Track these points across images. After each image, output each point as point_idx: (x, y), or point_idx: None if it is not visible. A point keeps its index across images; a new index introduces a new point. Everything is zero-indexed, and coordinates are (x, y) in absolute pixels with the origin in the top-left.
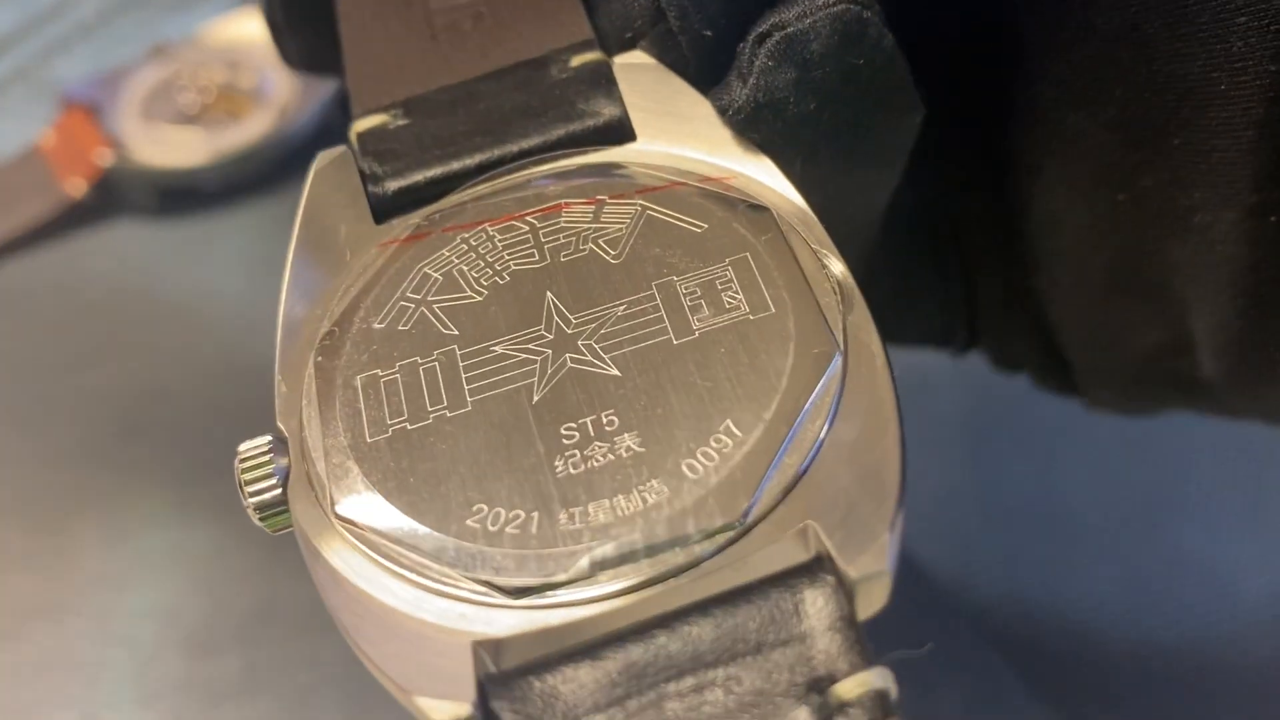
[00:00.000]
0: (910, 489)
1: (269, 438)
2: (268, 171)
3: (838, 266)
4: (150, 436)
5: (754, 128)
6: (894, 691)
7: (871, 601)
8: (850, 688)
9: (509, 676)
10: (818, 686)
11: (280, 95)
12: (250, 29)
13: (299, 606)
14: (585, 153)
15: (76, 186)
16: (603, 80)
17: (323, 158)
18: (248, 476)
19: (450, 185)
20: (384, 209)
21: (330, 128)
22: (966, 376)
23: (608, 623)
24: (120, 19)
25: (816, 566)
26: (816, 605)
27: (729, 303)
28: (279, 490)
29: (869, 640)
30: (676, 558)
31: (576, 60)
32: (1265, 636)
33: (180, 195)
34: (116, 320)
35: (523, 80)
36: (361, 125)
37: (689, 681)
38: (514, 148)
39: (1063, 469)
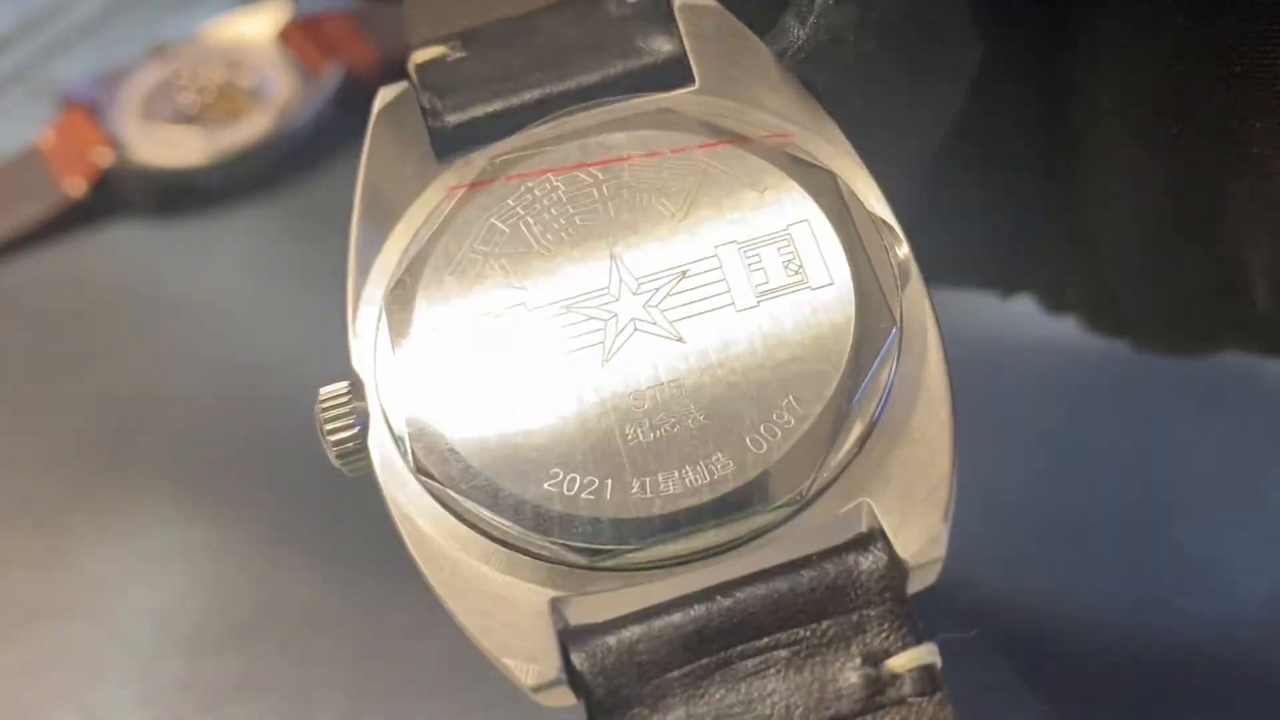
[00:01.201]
0: None
1: (347, 383)
2: (268, 171)
3: (898, 241)
4: (150, 436)
5: (813, 69)
6: (938, 665)
7: (922, 579)
8: (902, 662)
9: (586, 632)
10: (871, 659)
11: (280, 95)
12: (250, 28)
13: (299, 606)
14: (646, 97)
15: (76, 186)
16: (661, 18)
17: (385, 93)
18: (329, 422)
19: (511, 122)
20: (444, 145)
21: (330, 127)
22: (965, 376)
23: (675, 588)
24: (120, 18)
25: (870, 543)
26: (872, 581)
27: (790, 272)
28: (357, 433)
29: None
30: (740, 529)
31: None
32: (1266, 637)
33: (180, 195)
34: (116, 320)
35: (580, 15)
36: (420, 57)
37: (753, 644)
38: (573, 84)
39: (1063, 469)
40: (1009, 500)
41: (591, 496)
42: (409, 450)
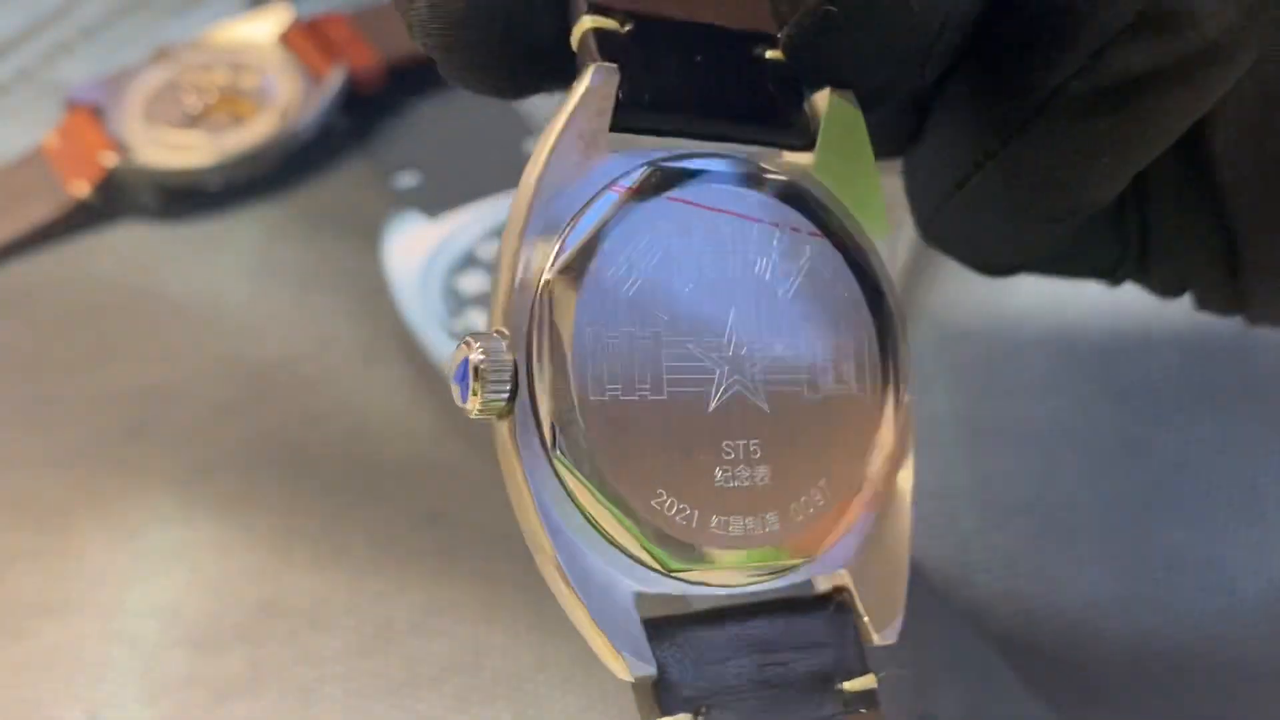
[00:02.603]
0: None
1: (503, 332)
2: (271, 173)
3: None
4: (154, 436)
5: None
6: (877, 690)
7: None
8: (856, 685)
9: (660, 621)
10: (836, 680)
11: (283, 97)
12: (253, 32)
13: (302, 603)
14: (774, 152)
15: (80, 188)
16: (794, 83)
17: (601, 68)
18: (482, 366)
19: (665, 129)
20: (618, 120)
21: (332, 129)
22: (964, 376)
23: (714, 602)
24: (124, 21)
25: (844, 600)
26: (846, 627)
27: (847, 378)
28: (509, 385)
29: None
30: (771, 571)
31: (770, 53)
32: (1263, 635)
33: (184, 196)
34: (120, 320)
35: (732, 48)
36: (593, 23)
37: (770, 656)
38: (727, 117)
39: (1059, 468)
40: (1007, 499)
41: (684, 523)
42: (552, 432)
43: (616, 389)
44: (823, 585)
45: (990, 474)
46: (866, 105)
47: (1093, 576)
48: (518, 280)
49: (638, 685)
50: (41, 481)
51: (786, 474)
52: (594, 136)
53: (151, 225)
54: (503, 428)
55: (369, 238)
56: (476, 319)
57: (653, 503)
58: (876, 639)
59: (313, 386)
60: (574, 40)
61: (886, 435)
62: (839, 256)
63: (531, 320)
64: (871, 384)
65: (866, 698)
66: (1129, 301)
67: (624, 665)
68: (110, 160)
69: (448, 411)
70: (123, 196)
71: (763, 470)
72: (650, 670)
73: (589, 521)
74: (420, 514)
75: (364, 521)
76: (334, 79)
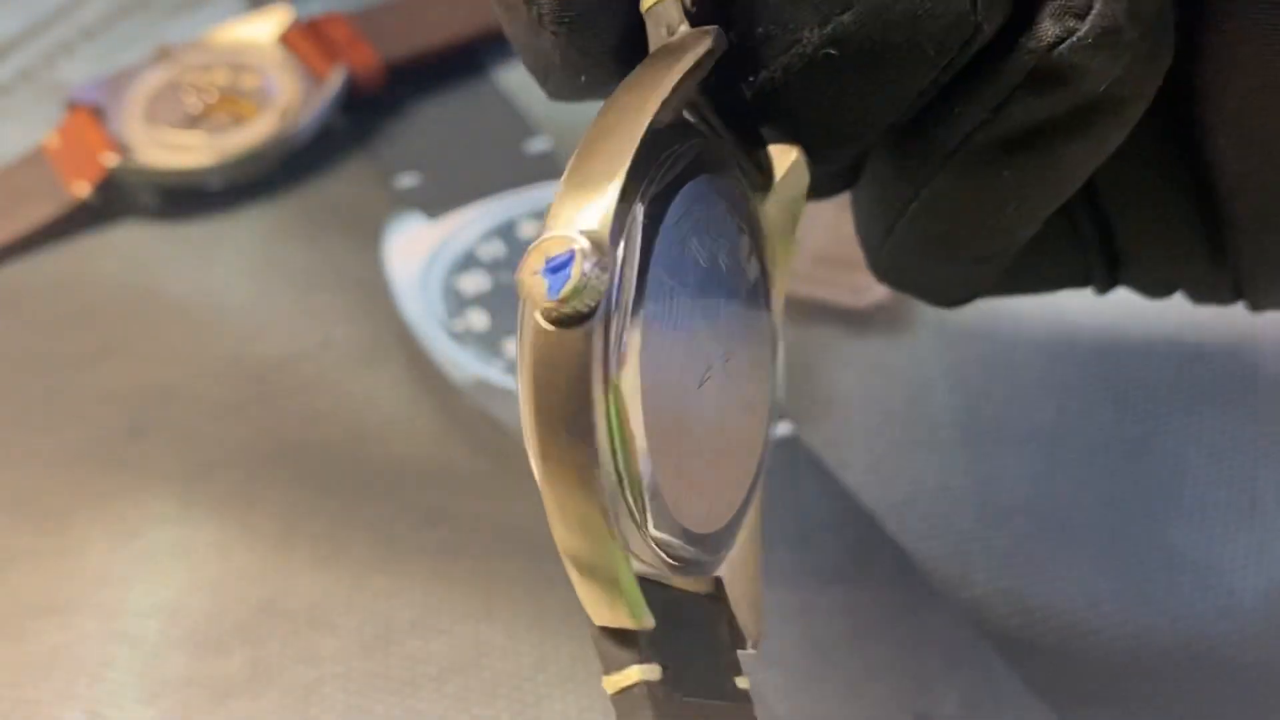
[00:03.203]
0: (908, 488)
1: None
2: (271, 173)
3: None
4: (155, 435)
5: None
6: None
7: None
8: (743, 683)
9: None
10: (732, 672)
11: (283, 97)
12: (254, 32)
13: (303, 603)
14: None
15: (81, 188)
16: (758, 127)
17: (720, 34)
18: (593, 263)
19: (704, 117)
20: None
21: (332, 129)
22: (964, 376)
23: (651, 576)
24: (125, 22)
25: (725, 604)
26: (732, 628)
27: (761, 399)
28: (603, 292)
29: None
30: (689, 558)
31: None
32: (1261, 635)
33: (184, 196)
34: (121, 320)
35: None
36: None
37: (695, 634)
38: (727, 134)
39: (1059, 468)
40: (1007, 499)
41: (667, 484)
42: (621, 355)
43: (662, 333)
44: (699, 586)
45: (990, 474)
46: (819, 160)
47: (1092, 576)
48: (615, 193)
49: (609, 634)
50: (41, 481)
51: (717, 471)
52: (688, 91)
53: (151, 225)
54: (567, 338)
55: (369, 238)
56: (476, 319)
57: (657, 455)
58: (748, 646)
59: (313, 386)
60: (645, 4)
61: (761, 465)
62: (768, 287)
63: (620, 240)
64: (763, 412)
65: (747, 696)
66: (1129, 301)
67: (641, 612)
68: (111, 160)
69: (448, 411)
70: (123, 196)
71: (707, 460)
72: (650, 622)
73: (613, 455)
74: (420, 514)
75: (364, 521)
76: (334, 79)
